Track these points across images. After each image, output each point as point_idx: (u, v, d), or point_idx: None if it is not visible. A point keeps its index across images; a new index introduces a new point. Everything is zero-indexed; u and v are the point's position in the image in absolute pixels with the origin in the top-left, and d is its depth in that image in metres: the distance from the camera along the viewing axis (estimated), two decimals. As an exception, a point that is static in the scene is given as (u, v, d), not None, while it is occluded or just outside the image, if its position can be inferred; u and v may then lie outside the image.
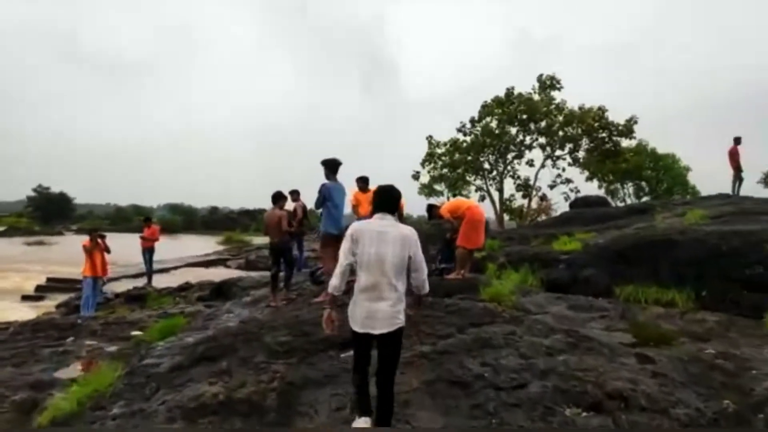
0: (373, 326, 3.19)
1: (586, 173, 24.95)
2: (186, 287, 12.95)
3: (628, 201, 47.90)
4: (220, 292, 10.57)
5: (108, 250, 9.99)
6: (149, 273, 13.90)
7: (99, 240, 9.83)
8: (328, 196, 6.53)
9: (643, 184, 44.19)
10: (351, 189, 9.46)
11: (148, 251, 13.68)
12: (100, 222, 73.44)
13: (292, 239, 8.16)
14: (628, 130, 17.78)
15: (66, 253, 31.50)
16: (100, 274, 9.77)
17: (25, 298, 16.06)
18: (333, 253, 6.50)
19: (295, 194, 9.57)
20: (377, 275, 3.18)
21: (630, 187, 45.70)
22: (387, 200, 3.39)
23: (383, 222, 3.29)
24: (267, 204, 7.56)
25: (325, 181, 6.63)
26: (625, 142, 18.43)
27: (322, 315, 3.50)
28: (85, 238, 10.12)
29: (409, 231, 3.30)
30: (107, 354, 6.86)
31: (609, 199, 29.50)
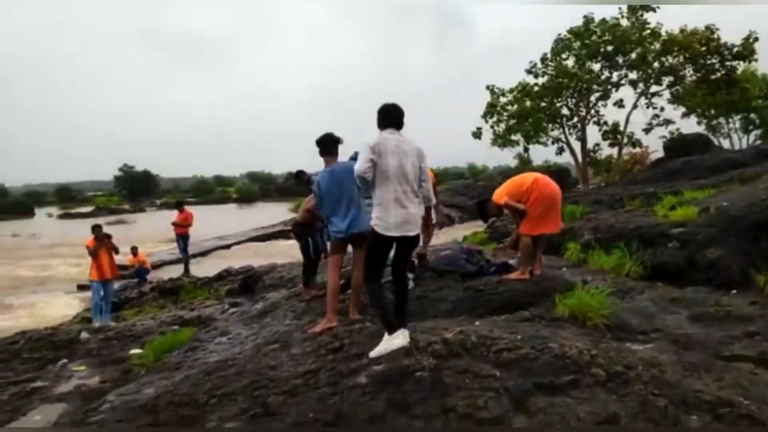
0: (409, 229, 3.59)
1: (682, 109, 21.18)
2: (223, 275, 11.74)
3: (735, 138, 42.05)
4: (247, 286, 9.19)
5: (116, 251, 8.77)
6: (185, 261, 12.79)
7: (105, 239, 8.58)
8: (321, 193, 4.71)
9: (753, 116, 38.20)
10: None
11: (181, 238, 12.53)
12: (183, 195, 76.07)
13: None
14: (747, 51, 14.14)
15: (141, 233, 32.11)
16: (109, 276, 8.56)
17: (82, 287, 15.67)
18: (338, 262, 4.71)
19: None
20: (403, 184, 3.57)
21: (737, 121, 39.90)
22: (395, 115, 3.72)
23: (397, 137, 3.66)
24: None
25: (318, 171, 4.85)
26: (742, 67, 14.75)
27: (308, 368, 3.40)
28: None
29: (419, 145, 3.73)
30: (77, 394, 5.53)
31: (711, 136, 25.09)
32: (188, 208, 13.88)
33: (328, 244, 5.44)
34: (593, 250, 6.96)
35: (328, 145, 4.76)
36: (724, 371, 3.48)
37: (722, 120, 38.06)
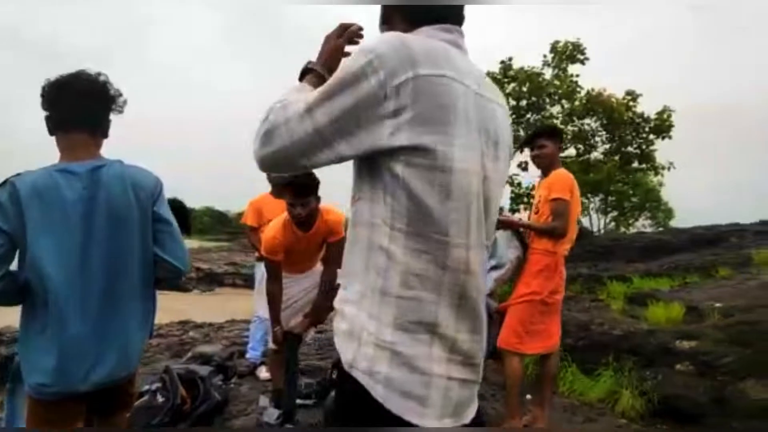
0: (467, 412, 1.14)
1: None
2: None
3: (593, 216, 44.95)
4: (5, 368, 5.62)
5: None
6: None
7: None
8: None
9: (610, 198, 40.89)
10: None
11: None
12: None
13: None
14: (665, 124, 13.48)
15: None
16: None
17: None
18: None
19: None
20: (480, 231, 1.12)
21: (597, 201, 42.56)
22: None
23: (462, 54, 1.17)
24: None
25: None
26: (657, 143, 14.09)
27: None
28: None
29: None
30: None
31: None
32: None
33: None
34: (563, 363, 4.73)
35: (69, 100, 1.78)
36: None
37: (585, 199, 40.31)
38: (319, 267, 3.43)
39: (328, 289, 3.28)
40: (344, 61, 1.09)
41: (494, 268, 3.49)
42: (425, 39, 1.10)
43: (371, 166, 1.06)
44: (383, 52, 1.01)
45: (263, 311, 3.65)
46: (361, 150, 1.03)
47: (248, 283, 20.01)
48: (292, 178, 2.94)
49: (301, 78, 1.26)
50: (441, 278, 1.05)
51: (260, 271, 4.09)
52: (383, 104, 1.00)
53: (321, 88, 1.06)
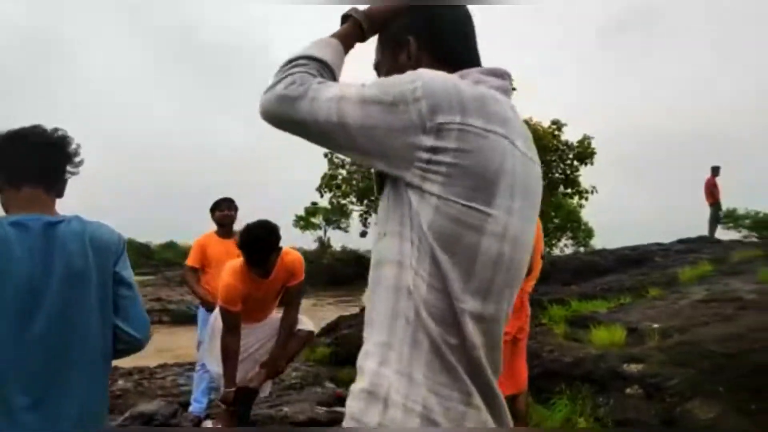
0: None
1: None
2: None
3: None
4: None
5: None
6: None
7: None
8: None
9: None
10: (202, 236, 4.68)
11: None
12: None
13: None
14: (587, 151, 14.28)
15: None
16: None
17: None
18: None
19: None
20: (493, 310, 0.99)
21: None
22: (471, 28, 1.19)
23: (507, 100, 1.06)
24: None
25: None
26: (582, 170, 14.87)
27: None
28: None
29: None
30: None
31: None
32: None
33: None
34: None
35: (22, 154, 1.59)
36: None
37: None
38: (275, 315, 3.25)
39: (287, 336, 3.12)
40: (388, 78, 1.02)
41: None
42: (473, 85, 1.01)
43: (401, 201, 0.98)
44: (429, 83, 0.93)
45: (214, 365, 3.37)
46: (393, 171, 0.97)
47: (176, 319, 19.06)
48: (246, 238, 2.83)
49: (342, 23, 1.16)
50: (462, 345, 0.95)
51: (208, 318, 3.84)
52: (420, 136, 0.92)
53: (362, 87, 1.00)
